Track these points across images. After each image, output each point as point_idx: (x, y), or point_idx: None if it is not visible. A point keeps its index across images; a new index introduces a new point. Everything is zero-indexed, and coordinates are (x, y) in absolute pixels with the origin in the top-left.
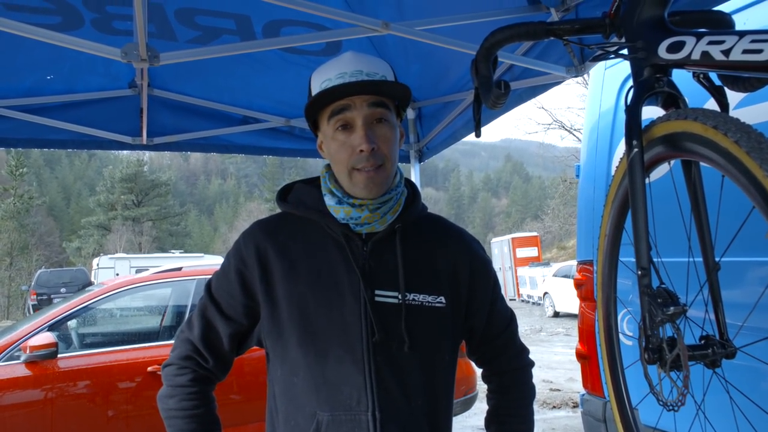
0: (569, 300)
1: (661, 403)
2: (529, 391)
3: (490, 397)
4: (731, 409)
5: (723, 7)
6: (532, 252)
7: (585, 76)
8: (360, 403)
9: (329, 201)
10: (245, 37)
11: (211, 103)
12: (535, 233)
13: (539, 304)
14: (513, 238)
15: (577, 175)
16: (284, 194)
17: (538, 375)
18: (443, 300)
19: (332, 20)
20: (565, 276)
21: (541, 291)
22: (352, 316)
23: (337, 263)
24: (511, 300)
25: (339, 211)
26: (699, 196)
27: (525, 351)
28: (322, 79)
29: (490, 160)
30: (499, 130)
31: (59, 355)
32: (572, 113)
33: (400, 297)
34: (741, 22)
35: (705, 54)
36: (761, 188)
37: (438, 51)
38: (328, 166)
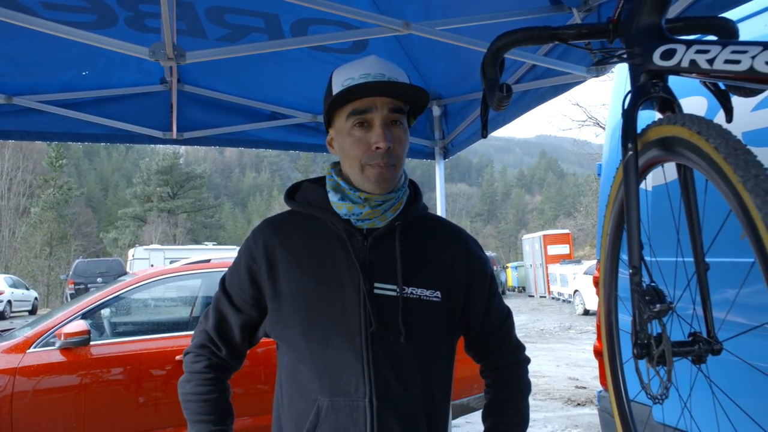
0: None
1: (649, 396)
2: (525, 386)
3: (487, 392)
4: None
5: (740, 11)
6: (563, 249)
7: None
8: (358, 390)
9: (333, 197)
10: (274, 35)
11: (240, 99)
12: (566, 230)
13: (569, 301)
14: (544, 236)
15: (599, 174)
16: (292, 193)
17: (564, 372)
18: (439, 295)
19: (357, 20)
20: None
21: (572, 288)
22: (351, 308)
23: (339, 257)
24: (541, 297)
25: (341, 207)
26: (691, 199)
27: (521, 347)
28: (344, 78)
29: (525, 157)
30: (534, 126)
31: (92, 343)
32: (607, 110)
33: (398, 290)
34: (762, 24)
35: (693, 62)
36: (736, 193)
37: (463, 49)
38: (335, 164)
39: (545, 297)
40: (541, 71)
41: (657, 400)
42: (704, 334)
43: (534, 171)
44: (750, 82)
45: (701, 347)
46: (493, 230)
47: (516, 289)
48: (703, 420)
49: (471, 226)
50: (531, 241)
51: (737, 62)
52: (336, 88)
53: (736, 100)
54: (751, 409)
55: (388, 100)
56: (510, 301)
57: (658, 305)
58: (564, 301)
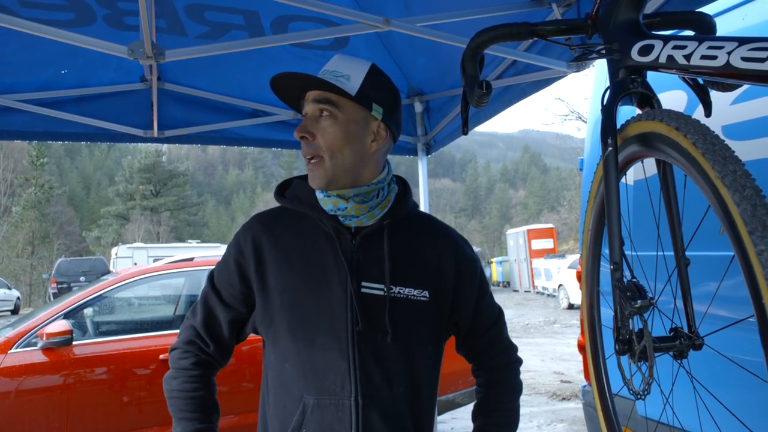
0: None
1: (631, 392)
2: (516, 387)
3: (478, 391)
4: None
5: (718, 5)
6: (547, 244)
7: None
8: (344, 388)
9: (319, 194)
10: (254, 32)
11: (222, 96)
12: (550, 225)
13: (554, 296)
14: (528, 230)
15: (581, 169)
16: (282, 189)
17: (549, 367)
18: (427, 294)
19: (338, 17)
20: None
21: (556, 283)
22: (338, 306)
23: (327, 255)
24: (525, 291)
25: (327, 203)
26: (671, 194)
27: (513, 348)
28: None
29: (508, 151)
30: (517, 121)
31: (74, 343)
32: (589, 104)
33: (385, 289)
34: (739, 18)
35: (670, 58)
36: (714, 188)
37: (444, 45)
38: None
39: (530, 292)
40: (522, 67)
41: (639, 396)
42: (685, 329)
43: (517, 166)
44: (726, 78)
45: (682, 342)
46: (477, 225)
47: (501, 284)
48: (686, 414)
49: (455, 222)
50: (515, 236)
51: (714, 58)
52: None
53: (715, 95)
54: (732, 404)
55: (313, 93)
56: (495, 296)
57: (639, 301)
58: (548, 295)
